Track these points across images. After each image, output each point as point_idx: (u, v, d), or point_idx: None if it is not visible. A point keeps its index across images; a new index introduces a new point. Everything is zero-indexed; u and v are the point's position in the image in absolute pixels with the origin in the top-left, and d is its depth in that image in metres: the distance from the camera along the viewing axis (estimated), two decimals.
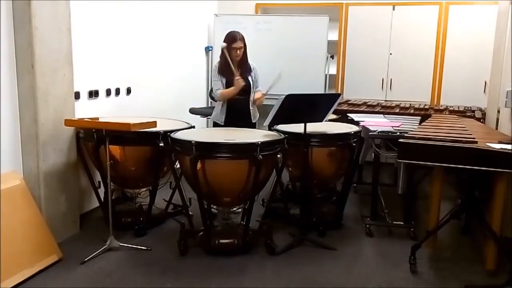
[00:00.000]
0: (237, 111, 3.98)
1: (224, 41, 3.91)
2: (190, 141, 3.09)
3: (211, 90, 4.35)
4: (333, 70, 5.96)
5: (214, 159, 3.12)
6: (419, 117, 4.51)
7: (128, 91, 4.42)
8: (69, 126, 3.35)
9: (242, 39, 3.89)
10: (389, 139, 3.65)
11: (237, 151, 3.13)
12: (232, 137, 3.27)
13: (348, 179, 3.86)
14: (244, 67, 3.98)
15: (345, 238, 3.62)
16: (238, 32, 3.92)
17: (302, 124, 3.36)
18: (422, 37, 5.64)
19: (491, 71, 4.93)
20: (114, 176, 3.48)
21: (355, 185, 4.75)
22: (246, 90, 3.99)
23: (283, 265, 3.14)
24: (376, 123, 4.01)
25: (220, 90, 3.96)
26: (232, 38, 3.87)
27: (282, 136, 3.38)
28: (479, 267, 3.10)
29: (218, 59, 4.04)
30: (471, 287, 2.89)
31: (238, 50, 3.88)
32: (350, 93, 5.93)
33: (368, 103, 5.44)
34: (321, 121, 3.53)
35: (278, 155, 3.31)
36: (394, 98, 5.77)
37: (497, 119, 4.20)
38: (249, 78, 3.98)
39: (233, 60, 3.93)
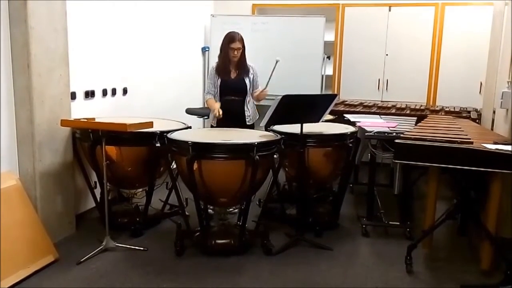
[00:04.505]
0: (231, 112, 3.97)
1: (223, 41, 3.92)
2: (186, 142, 3.09)
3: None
4: (329, 71, 5.97)
5: (210, 159, 3.12)
6: (415, 118, 4.52)
7: (125, 91, 4.42)
8: (65, 127, 3.35)
9: (241, 40, 3.89)
10: (385, 140, 3.67)
11: (233, 152, 3.13)
12: (229, 138, 3.28)
13: (344, 179, 3.87)
14: (242, 68, 3.97)
15: (341, 238, 3.63)
16: (237, 32, 3.92)
17: (299, 125, 3.36)
18: (418, 38, 5.67)
19: (486, 72, 4.96)
20: (111, 176, 3.46)
21: (351, 185, 4.76)
22: (241, 91, 3.97)
23: (280, 265, 3.15)
24: (372, 123, 4.03)
25: (210, 95, 4.00)
26: (230, 38, 3.87)
27: (279, 136, 3.39)
28: (474, 267, 3.11)
29: (217, 60, 4.04)
30: (467, 286, 2.90)
31: (236, 51, 3.87)
32: (347, 93, 5.95)
33: (364, 104, 5.45)
34: (317, 121, 3.53)
35: (275, 156, 3.32)
36: (390, 98, 5.79)
37: (493, 120, 4.23)
38: (246, 80, 3.98)
39: (230, 61, 3.93)
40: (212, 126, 4.09)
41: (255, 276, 3.01)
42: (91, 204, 3.91)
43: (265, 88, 3.96)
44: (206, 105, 4.15)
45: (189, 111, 5.28)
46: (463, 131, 3.41)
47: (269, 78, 3.88)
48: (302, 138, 3.39)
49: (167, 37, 5.15)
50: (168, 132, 3.41)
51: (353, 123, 4.08)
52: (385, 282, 2.96)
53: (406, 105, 5.37)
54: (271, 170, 3.46)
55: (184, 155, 3.12)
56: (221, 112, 3.85)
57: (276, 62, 3.82)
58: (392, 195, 4.07)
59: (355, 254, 3.37)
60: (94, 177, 3.69)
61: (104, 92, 4.12)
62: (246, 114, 4.03)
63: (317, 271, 3.09)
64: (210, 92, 4.01)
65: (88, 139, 3.41)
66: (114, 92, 4.26)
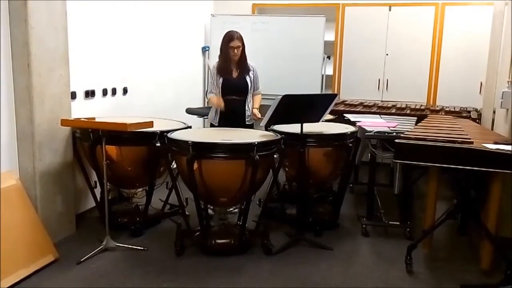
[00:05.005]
0: (232, 112, 3.98)
1: (222, 41, 3.92)
2: (186, 141, 3.09)
3: (207, 90, 4.38)
4: (329, 71, 5.97)
5: (210, 159, 3.12)
6: (415, 118, 4.52)
7: (125, 91, 4.42)
8: (65, 126, 3.35)
9: (240, 39, 3.89)
10: (385, 140, 3.67)
11: (233, 151, 3.13)
12: (229, 137, 3.27)
13: (344, 179, 3.87)
14: (243, 67, 3.97)
15: (341, 238, 3.63)
16: (236, 31, 3.92)
17: (299, 125, 3.36)
18: (418, 37, 5.66)
19: (486, 71, 4.95)
20: (111, 176, 3.46)
21: (351, 185, 4.76)
22: (242, 91, 3.98)
23: (280, 265, 3.15)
24: (373, 123, 4.03)
25: (212, 94, 4.00)
26: (229, 37, 3.87)
27: (279, 136, 3.39)
28: (474, 267, 3.12)
29: (217, 59, 4.04)
30: (467, 286, 2.90)
31: (236, 49, 3.87)
32: (347, 93, 5.95)
33: (365, 104, 5.45)
34: (317, 121, 3.53)
35: (275, 155, 3.32)
36: (390, 98, 5.79)
37: (493, 120, 4.22)
38: (247, 79, 3.98)
39: (231, 60, 3.93)
40: (212, 126, 4.09)
41: (255, 275, 3.01)
42: (91, 203, 3.91)
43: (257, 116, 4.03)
44: (208, 103, 4.15)
45: (189, 111, 5.29)
46: (463, 131, 3.41)
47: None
48: (302, 138, 3.39)
49: (167, 37, 5.14)
50: (168, 131, 3.41)
51: (353, 123, 4.08)
52: (385, 282, 2.96)
53: (406, 105, 5.37)
54: (271, 170, 3.46)
55: (184, 155, 3.12)
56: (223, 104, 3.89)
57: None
58: (392, 195, 4.07)
59: (355, 254, 3.37)
60: (94, 177, 3.69)
61: (104, 92, 4.12)
62: (246, 114, 4.03)
63: (317, 270, 3.09)
64: (213, 92, 4.01)
65: (88, 138, 3.41)
66: (114, 91, 4.25)
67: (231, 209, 3.61)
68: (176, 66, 5.38)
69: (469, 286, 2.92)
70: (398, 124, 3.97)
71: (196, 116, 5.35)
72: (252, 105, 4.07)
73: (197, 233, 3.41)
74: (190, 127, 3.75)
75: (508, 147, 2.78)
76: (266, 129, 3.63)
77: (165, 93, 5.13)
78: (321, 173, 3.80)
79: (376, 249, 3.46)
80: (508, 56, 3.74)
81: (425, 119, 4.13)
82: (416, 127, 3.69)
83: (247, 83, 3.97)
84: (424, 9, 5.61)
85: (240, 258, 3.23)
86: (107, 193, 3.34)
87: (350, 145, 3.65)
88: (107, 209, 3.27)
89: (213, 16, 5.87)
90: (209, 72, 4.12)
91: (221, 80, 3.95)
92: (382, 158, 3.95)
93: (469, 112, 4.97)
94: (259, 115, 4.01)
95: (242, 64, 3.96)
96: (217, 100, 3.93)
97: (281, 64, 5.68)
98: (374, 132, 3.66)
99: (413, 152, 2.89)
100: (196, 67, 5.99)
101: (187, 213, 3.55)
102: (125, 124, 3.05)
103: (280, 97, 3.18)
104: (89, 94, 3.90)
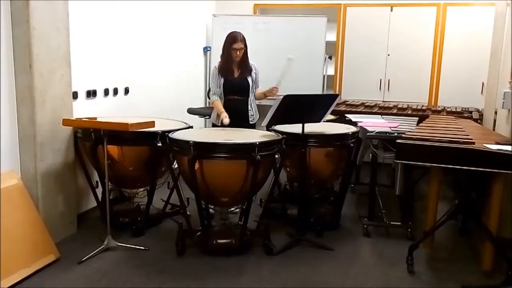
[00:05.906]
0: (234, 112, 3.97)
1: (225, 41, 3.92)
2: (188, 141, 3.09)
3: (209, 90, 4.39)
4: (331, 71, 5.97)
5: (212, 159, 3.12)
6: (417, 118, 4.53)
7: (126, 91, 4.42)
8: (67, 126, 3.35)
9: (243, 40, 3.89)
10: (386, 140, 3.66)
11: (235, 151, 3.13)
12: (230, 137, 3.28)
13: (345, 179, 3.87)
14: (244, 68, 3.98)
15: (342, 239, 3.63)
16: (239, 32, 3.92)
17: (300, 125, 3.36)
18: (420, 38, 5.66)
19: (488, 72, 4.95)
20: (112, 176, 3.47)
21: (352, 185, 4.76)
22: (244, 91, 3.98)
23: (281, 265, 3.15)
24: (374, 123, 4.03)
25: (216, 96, 3.97)
26: (232, 39, 3.88)
27: (280, 136, 3.39)
28: (475, 268, 3.11)
29: (219, 60, 4.05)
30: (468, 287, 2.90)
31: (238, 51, 3.88)
32: (348, 93, 5.95)
33: (366, 104, 5.45)
34: (319, 121, 3.53)
35: (276, 156, 3.32)
36: (391, 99, 5.79)
37: (494, 120, 4.22)
38: (249, 79, 3.98)
39: (233, 61, 3.94)
40: (214, 126, 4.09)
41: (256, 276, 3.01)
42: (93, 203, 3.92)
43: (275, 87, 3.96)
44: (210, 104, 4.13)
45: (191, 111, 5.29)
46: (464, 131, 3.41)
47: (281, 76, 3.87)
48: (303, 138, 3.39)
49: (168, 37, 5.15)
50: (169, 131, 3.41)
51: (354, 123, 4.08)
52: (386, 282, 2.96)
53: (408, 105, 5.37)
54: (272, 170, 3.46)
55: (185, 155, 3.12)
56: (228, 120, 3.81)
57: (288, 60, 3.80)
58: (393, 195, 4.07)
59: (356, 254, 3.37)
60: (95, 177, 3.69)
61: (106, 92, 4.13)
62: (249, 114, 4.03)
63: (318, 271, 3.09)
64: (216, 93, 4.00)
65: (90, 138, 3.42)
66: (115, 91, 4.26)
67: (232, 209, 3.61)
68: (177, 66, 5.39)
69: (470, 287, 2.91)
70: (400, 125, 3.97)
71: (197, 116, 5.36)
72: (254, 104, 4.06)
73: (198, 233, 3.42)
74: (191, 127, 3.75)
75: (509, 148, 2.77)
76: (268, 129, 3.64)
77: (166, 93, 5.13)
78: (322, 173, 3.80)
79: (377, 249, 3.46)
80: (510, 57, 3.74)
81: (427, 120, 4.13)
82: (417, 127, 3.69)
83: (248, 83, 3.97)
84: (425, 10, 5.61)
85: (241, 258, 3.23)
86: (109, 193, 3.34)
87: (352, 145, 3.65)
88: (109, 209, 3.28)
89: (214, 16, 5.88)
90: (210, 73, 4.12)
91: (222, 80, 3.95)
92: (384, 158, 3.95)
93: (470, 112, 4.96)
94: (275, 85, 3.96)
95: (244, 65, 3.97)
96: (222, 114, 3.83)
97: (283, 65, 5.66)
98: (376, 133, 3.66)
99: (414, 153, 2.89)
100: (198, 67, 6.00)
101: (188, 213, 3.55)
102: (126, 124, 3.05)
103: (282, 97, 3.18)
104: (91, 94, 3.91)
